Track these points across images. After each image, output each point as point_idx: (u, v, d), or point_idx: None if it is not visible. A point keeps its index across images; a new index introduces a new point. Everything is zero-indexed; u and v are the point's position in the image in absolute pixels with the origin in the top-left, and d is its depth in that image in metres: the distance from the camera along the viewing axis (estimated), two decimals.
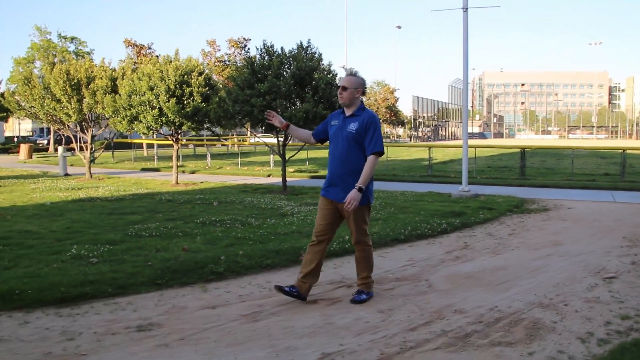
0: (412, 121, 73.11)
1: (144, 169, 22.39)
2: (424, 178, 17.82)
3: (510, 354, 3.79)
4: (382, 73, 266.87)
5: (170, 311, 4.63)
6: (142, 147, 34.54)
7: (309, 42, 13.90)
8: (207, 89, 14.97)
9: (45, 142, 56.26)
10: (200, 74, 15.03)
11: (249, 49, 42.26)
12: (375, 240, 7.41)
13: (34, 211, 10.23)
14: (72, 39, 42.64)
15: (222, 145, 37.42)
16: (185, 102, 14.58)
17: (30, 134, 79.99)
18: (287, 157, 14.00)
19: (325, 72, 13.58)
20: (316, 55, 13.84)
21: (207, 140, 32.60)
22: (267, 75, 13.03)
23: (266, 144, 15.23)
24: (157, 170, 21.98)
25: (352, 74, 5.04)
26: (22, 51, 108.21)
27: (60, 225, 8.61)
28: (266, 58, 13.67)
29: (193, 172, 20.43)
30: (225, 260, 5.98)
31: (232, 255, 6.21)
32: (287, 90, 12.69)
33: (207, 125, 15.23)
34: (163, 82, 14.56)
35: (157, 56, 38.94)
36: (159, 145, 27.76)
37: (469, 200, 11.85)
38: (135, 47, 37.71)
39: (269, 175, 18.97)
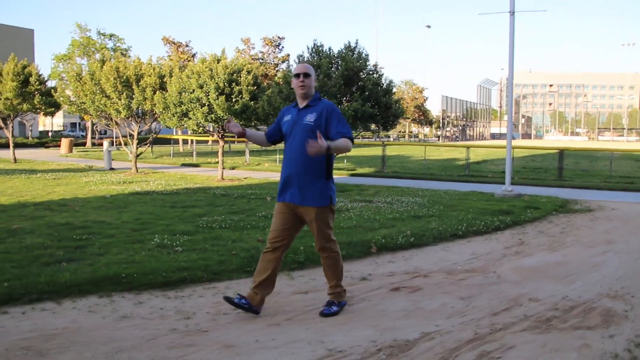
0: (441, 121, 73.05)
1: (184, 165, 22.94)
2: (461, 177, 18.04)
3: (592, 336, 4.11)
4: (410, 72, 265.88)
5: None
6: (178, 143, 35.22)
7: (356, 43, 14.27)
8: (255, 87, 15.38)
9: (78, 136, 57.42)
10: (248, 72, 15.46)
11: (282, 47, 42.87)
12: (436, 235, 7.78)
13: (98, 203, 10.73)
14: (111, 36, 43.58)
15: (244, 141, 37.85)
16: (234, 99, 15.02)
17: (62, 128, 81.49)
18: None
19: (371, 73, 13.94)
20: (363, 55, 14.20)
21: None
22: (317, 75, 13.41)
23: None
24: (197, 165, 22.51)
25: (304, 61, 4.87)
26: (60, 48, 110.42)
27: (130, 216, 9.06)
28: (315, 57, 14.07)
29: (233, 168, 20.88)
30: (303, 250, 6.35)
31: (306, 246, 6.57)
32: (337, 89, 13.06)
33: (255, 122, 15.65)
34: (212, 80, 15.01)
35: (193, 55, 39.78)
36: (191, 141, 28.27)
37: (513, 199, 12.08)
38: (174, 45, 38.43)
39: None
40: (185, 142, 35.16)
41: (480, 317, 4.53)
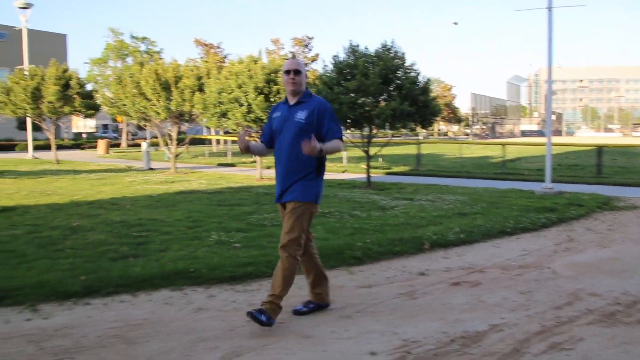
0: (471, 118, 72.58)
1: (220, 164, 23.28)
2: (497, 175, 17.99)
3: None
4: (438, 70, 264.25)
5: (331, 289, 5.17)
6: (211, 143, 35.70)
7: (392, 42, 14.34)
8: None
9: (110, 137, 58.36)
10: None
11: (312, 47, 43.12)
12: (484, 232, 7.86)
13: (146, 202, 11.02)
14: (143, 39, 44.35)
15: None
16: (272, 99, 15.24)
17: (94, 130, 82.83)
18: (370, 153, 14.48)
19: (409, 71, 14.00)
20: (399, 54, 14.28)
21: None
22: (354, 74, 13.54)
23: (351, 141, 15.72)
24: (232, 165, 22.82)
25: (295, 57, 4.71)
26: (91, 52, 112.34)
27: (181, 214, 9.31)
28: (351, 57, 14.19)
29: (269, 168, 21.09)
30: (360, 247, 6.51)
31: (361, 242, 6.74)
32: (375, 88, 13.17)
33: None
34: (251, 80, 15.25)
35: (225, 56, 40.22)
36: (225, 141, 28.61)
37: (554, 197, 12.06)
38: (205, 47, 38.95)
39: (343, 171, 19.51)
40: (218, 142, 35.62)
41: (543, 310, 4.63)
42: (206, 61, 29.40)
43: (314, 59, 44.54)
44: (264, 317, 4.06)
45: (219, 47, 38.89)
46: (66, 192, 12.70)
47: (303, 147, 4.02)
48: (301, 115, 4.27)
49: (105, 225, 8.24)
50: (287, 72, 4.36)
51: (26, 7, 31.24)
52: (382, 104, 13.63)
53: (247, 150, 4.54)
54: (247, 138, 4.48)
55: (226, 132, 33.55)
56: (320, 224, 8.19)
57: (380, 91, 13.47)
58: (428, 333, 4.07)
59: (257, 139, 4.24)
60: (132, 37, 43.52)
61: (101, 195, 12.21)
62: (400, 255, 6.53)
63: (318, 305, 4.57)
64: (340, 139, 4.34)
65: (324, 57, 46.62)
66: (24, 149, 40.59)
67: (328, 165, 17.91)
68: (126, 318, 4.41)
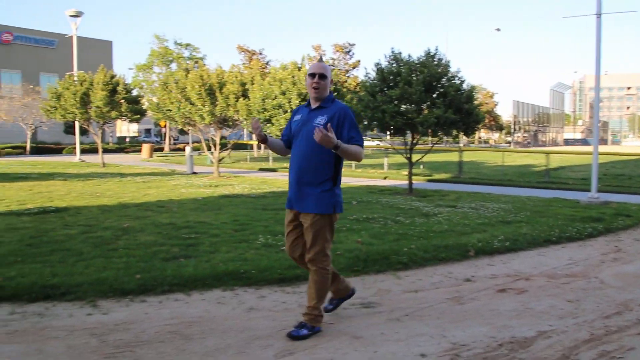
0: (512, 126, 71.61)
1: (261, 169, 23.56)
2: (541, 184, 17.78)
3: None
4: (480, 77, 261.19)
5: (378, 293, 5.28)
6: (253, 148, 36.15)
7: (436, 49, 14.36)
8: (335, 93, 15.72)
9: (152, 141, 59.48)
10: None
11: (353, 53, 43.30)
12: (529, 240, 7.83)
13: (192, 205, 11.28)
14: (187, 45, 45.21)
15: None
16: None
17: (137, 134, 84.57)
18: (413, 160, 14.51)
19: (452, 79, 13.99)
20: (443, 62, 14.28)
21: None
22: (397, 82, 13.60)
23: (393, 148, 15.77)
24: (273, 170, 23.07)
25: (322, 60, 4.40)
26: (135, 58, 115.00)
27: (226, 217, 9.52)
28: (394, 65, 14.25)
29: None
30: (406, 252, 6.58)
31: (406, 248, 6.80)
32: (419, 96, 13.20)
33: None
34: (295, 86, 15.46)
35: (267, 62, 40.69)
36: (262, 146, 28.88)
37: (601, 207, 11.88)
38: (248, 53, 39.50)
39: (385, 178, 19.53)
40: (259, 147, 36.00)
41: (592, 319, 4.63)
42: (248, 67, 29.83)
43: (354, 66, 44.75)
44: (305, 330, 4.12)
45: (261, 54, 39.42)
46: (114, 195, 13.07)
47: (315, 132, 3.80)
48: (320, 120, 4.10)
49: (154, 227, 8.48)
50: (312, 75, 4.18)
51: (77, 15, 32.26)
52: (426, 111, 13.66)
53: (264, 141, 4.30)
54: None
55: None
56: (365, 229, 8.28)
57: (424, 99, 13.49)
58: (477, 337, 4.13)
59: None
60: (176, 43, 44.51)
61: (148, 197, 12.54)
62: (445, 261, 6.57)
63: (341, 299, 4.63)
64: (362, 146, 4.14)
65: (365, 64, 46.83)
66: (71, 152, 41.86)
67: (369, 172, 18.14)
68: (181, 315, 4.57)
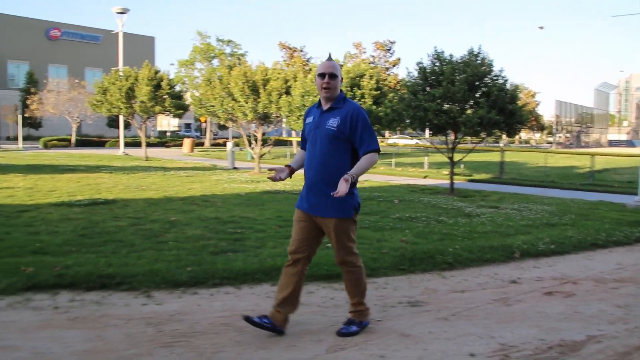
0: (555, 126, 70.28)
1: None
2: (585, 187, 17.48)
3: None
4: (521, 76, 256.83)
5: (425, 292, 5.33)
6: (292, 145, 36.33)
7: (479, 48, 14.25)
8: (377, 91, 15.75)
9: (193, 136, 60.33)
10: (370, 77, 15.86)
11: (393, 51, 43.16)
12: (575, 243, 7.74)
13: (236, 200, 11.47)
14: (229, 42, 45.73)
15: None
16: None
17: (177, 128, 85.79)
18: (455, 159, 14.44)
19: (497, 78, 13.86)
20: (486, 61, 14.16)
21: None
22: (440, 81, 13.55)
23: (435, 147, 15.72)
24: None
25: (330, 58, 4.19)
26: (177, 54, 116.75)
27: (270, 213, 9.66)
28: (436, 63, 14.20)
29: None
30: (451, 252, 6.60)
31: (451, 248, 6.82)
32: (462, 95, 13.13)
33: (378, 127, 16.02)
34: None
35: (308, 59, 40.91)
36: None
37: None
38: (289, 50, 39.74)
39: (425, 177, 19.46)
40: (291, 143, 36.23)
41: None
42: (289, 64, 30.05)
43: (395, 64, 44.60)
44: (354, 327, 4.18)
45: (301, 51, 39.63)
46: (159, 188, 13.37)
47: (335, 195, 3.77)
48: (333, 122, 4.01)
49: (200, 221, 8.67)
50: (322, 75, 4.05)
51: (123, 12, 32.95)
52: (469, 111, 13.58)
53: (292, 172, 4.30)
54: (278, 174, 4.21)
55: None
56: (409, 229, 8.32)
57: (467, 98, 13.42)
58: (525, 339, 4.14)
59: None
60: (218, 39, 45.05)
61: (192, 192, 12.78)
62: (490, 262, 6.57)
63: (272, 324, 4.08)
64: (376, 150, 4.02)
65: (406, 62, 46.60)
66: (113, 145, 42.81)
67: (409, 170, 18.08)
68: (233, 308, 4.70)
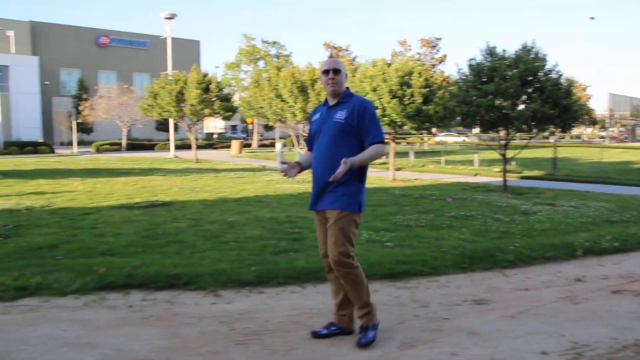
0: (607, 120, 68.37)
1: None
2: None
3: None
4: (572, 68, 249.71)
5: (489, 290, 5.32)
6: None
7: (533, 43, 14.02)
8: (427, 89, 15.66)
9: (239, 137, 61.05)
10: (420, 75, 15.78)
11: (439, 48, 42.76)
12: (639, 240, 7.56)
13: (289, 200, 11.60)
14: (274, 43, 46.15)
15: (407, 143, 38.35)
16: (406, 102, 15.40)
17: (224, 130, 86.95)
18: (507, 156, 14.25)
19: (551, 72, 13.62)
20: (540, 55, 13.92)
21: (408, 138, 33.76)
22: (492, 77, 13.40)
23: (487, 144, 15.54)
24: None
25: (332, 56, 4.25)
26: (223, 57, 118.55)
27: None
28: (488, 59, 14.04)
29: (398, 169, 21.30)
30: (512, 250, 6.55)
31: (512, 246, 6.77)
32: (515, 91, 12.96)
33: (428, 125, 15.94)
34: (385, 83, 15.51)
35: (353, 58, 40.94)
36: None
37: None
38: (334, 49, 39.84)
39: (475, 174, 19.26)
40: None
41: None
42: None
43: (441, 60, 44.18)
44: (371, 332, 4.01)
45: (347, 50, 39.68)
46: (213, 190, 13.63)
47: (331, 179, 3.75)
48: (340, 115, 3.98)
49: (257, 222, 8.82)
50: (326, 72, 4.06)
51: (171, 17, 33.63)
52: (521, 106, 13.41)
53: (302, 169, 4.20)
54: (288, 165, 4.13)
55: None
56: (465, 227, 8.28)
57: (519, 93, 13.24)
58: (598, 338, 4.10)
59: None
60: (263, 41, 45.52)
61: (245, 193, 12.99)
62: (552, 260, 6.49)
63: (340, 328, 4.17)
64: (382, 142, 3.96)
65: (452, 58, 46.11)
66: (162, 148, 43.74)
67: (459, 168, 17.93)
68: (300, 307, 4.80)
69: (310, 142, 4.29)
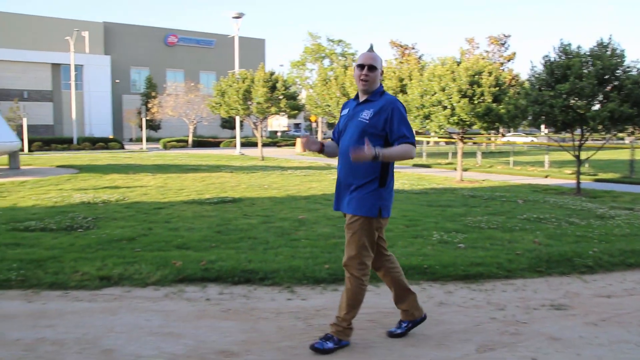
0: None
1: (415, 165, 23.59)
2: None
3: None
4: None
5: (567, 295, 5.18)
6: None
7: (610, 39, 13.54)
8: (497, 88, 15.37)
9: (301, 135, 61.61)
10: (490, 74, 15.50)
11: (508, 45, 41.82)
12: None
13: None
14: (339, 41, 46.33)
15: (474, 143, 37.71)
16: (475, 101, 15.16)
17: (287, 128, 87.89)
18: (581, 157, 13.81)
19: (631, 70, 13.12)
20: (617, 51, 13.42)
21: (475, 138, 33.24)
22: (567, 75, 13.01)
23: (560, 145, 15.12)
24: (428, 166, 23.00)
25: (372, 49, 3.93)
26: (287, 55, 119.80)
27: (395, 213, 9.49)
28: (562, 57, 13.64)
29: (465, 170, 20.98)
30: (590, 255, 6.36)
31: (590, 251, 6.57)
32: (591, 90, 12.55)
33: (497, 124, 15.65)
34: (454, 82, 15.31)
35: (420, 57, 40.57)
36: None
37: None
38: (400, 48, 39.64)
39: (546, 176, 18.74)
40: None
41: None
42: (401, 62, 29.96)
43: (510, 58, 43.18)
44: (330, 343, 3.85)
45: (413, 48, 39.34)
46: (280, 187, 13.81)
47: (351, 154, 3.58)
48: (366, 114, 3.80)
49: (326, 220, 8.88)
50: (361, 66, 3.83)
51: (238, 16, 34.23)
52: (597, 105, 12.97)
53: (321, 151, 4.12)
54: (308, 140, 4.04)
55: (418, 133, 33.94)
56: (539, 230, 8.09)
57: (596, 92, 12.80)
58: None
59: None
60: (329, 40, 45.73)
61: (312, 191, 13.10)
62: (634, 267, 6.25)
63: (411, 322, 4.16)
64: (412, 144, 3.75)
65: (522, 56, 44.96)
66: (227, 145, 44.56)
67: (529, 169, 17.47)
68: (375, 306, 4.81)
69: (337, 135, 4.16)
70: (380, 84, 3.96)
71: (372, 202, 3.76)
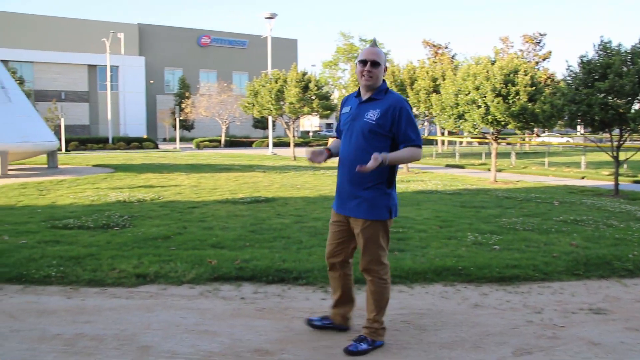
0: None
1: (447, 165, 23.40)
2: None
3: None
4: None
5: (606, 299, 5.08)
6: (437, 144, 36.06)
7: None
8: (532, 88, 15.14)
9: (333, 135, 61.64)
10: (525, 73, 15.28)
11: (544, 44, 41.15)
12: None
13: None
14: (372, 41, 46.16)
15: (508, 144, 37.25)
16: (510, 101, 14.96)
17: (319, 128, 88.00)
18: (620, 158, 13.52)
19: None
20: None
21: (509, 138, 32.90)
22: (605, 74, 12.75)
23: (598, 145, 14.83)
24: (461, 167, 22.78)
25: (375, 44, 3.79)
26: (319, 55, 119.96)
27: (428, 214, 9.64)
28: (602, 55, 13.37)
29: (499, 171, 20.73)
30: (630, 259, 6.23)
31: (631, 254, 6.43)
32: (632, 89, 12.27)
33: (532, 124, 15.42)
34: (489, 81, 15.13)
35: (453, 56, 40.24)
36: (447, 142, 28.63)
37: None
38: (433, 47, 39.36)
39: (582, 177, 18.39)
40: (443, 142, 35.90)
41: None
42: (434, 62, 29.79)
43: (545, 57, 42.51)
44: (364, 344, 3.82)
45: (446, 48, 39.01)
46: (313, 187, 13.83)
47: (358, 169, 3.54)
48: (372, 114, 3.68)
49: None
50: (363, 62, 3.72)
51: (271, 17, 34.43)
52: (638, 105, 12.69)
53: (330, 155, 4.05)
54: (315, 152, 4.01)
55: (451, 133, 33.78)
56: (576, 232, 7.95)
57: (636, 91, 12.52)
58: None
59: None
60: (361, 40, 45.65)
61: None
62: None
63: (333, 324, 4.20)
64: (419, 146, 3.69)
65: (558, 55, 44.24)
66: (260, 145, 44.85)
67: (564, 170, 17.21)
68: (409, 307, 4.79)
69: (339, 132, 4.08)
70: (384, 81, 3.87)
71: (382, 204, 3.75)
